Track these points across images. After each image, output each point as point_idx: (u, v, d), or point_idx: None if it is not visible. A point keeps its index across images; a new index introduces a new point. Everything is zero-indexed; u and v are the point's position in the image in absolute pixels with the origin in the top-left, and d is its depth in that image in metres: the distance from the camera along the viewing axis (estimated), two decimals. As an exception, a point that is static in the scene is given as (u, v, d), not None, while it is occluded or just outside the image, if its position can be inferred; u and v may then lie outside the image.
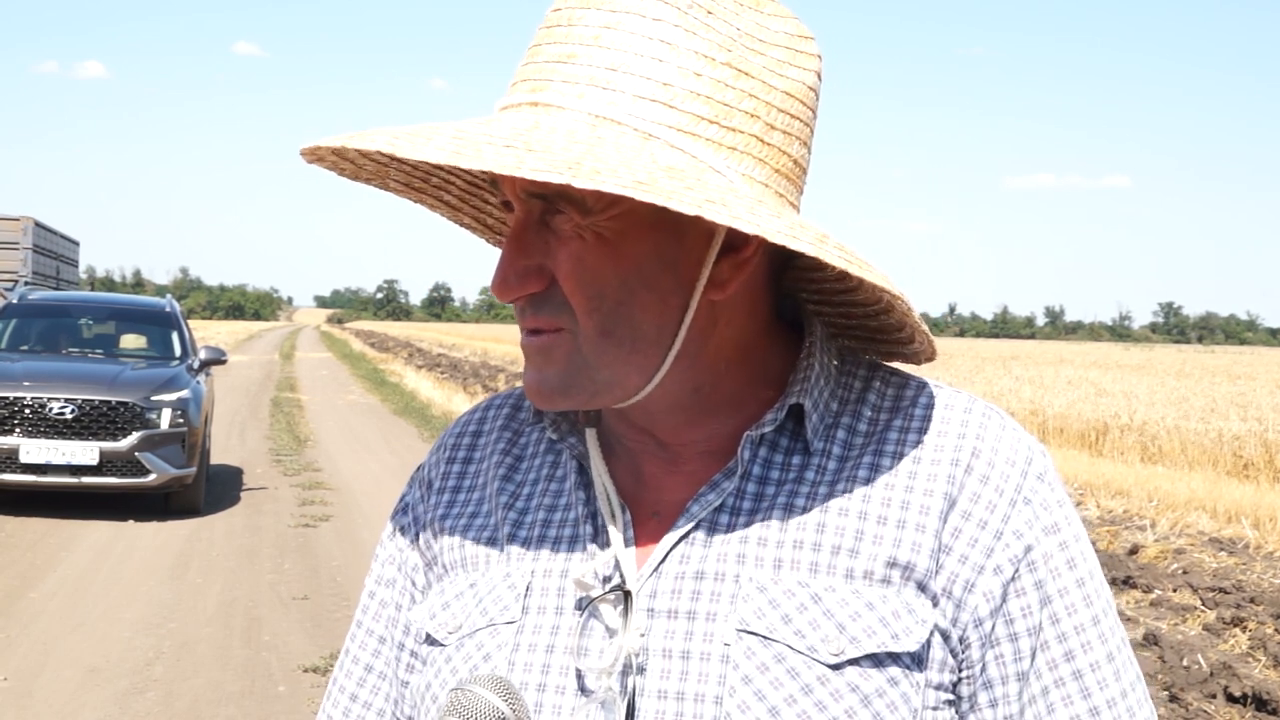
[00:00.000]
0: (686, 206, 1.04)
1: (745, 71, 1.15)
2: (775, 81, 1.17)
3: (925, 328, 1.21)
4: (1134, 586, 10.39)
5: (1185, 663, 8.02)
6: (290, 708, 6.94)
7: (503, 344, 65.70)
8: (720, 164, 1.13)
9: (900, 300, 1.16)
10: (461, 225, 1.35)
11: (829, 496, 1.19)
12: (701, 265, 1.17)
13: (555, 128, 1.12)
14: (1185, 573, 10.94)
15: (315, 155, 1.21)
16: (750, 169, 1.15)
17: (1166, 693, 7.51)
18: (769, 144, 1.16)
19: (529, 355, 1.20)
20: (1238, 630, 9.10)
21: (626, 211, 1.13)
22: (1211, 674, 7.80)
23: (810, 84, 1.20)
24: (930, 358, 1.28)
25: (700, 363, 1.21)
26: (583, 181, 1.03)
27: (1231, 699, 7.45)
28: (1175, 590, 10.35)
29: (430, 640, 1.27)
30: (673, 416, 1.23)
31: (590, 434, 1.26)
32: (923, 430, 1.22)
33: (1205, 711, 7.23)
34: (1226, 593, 10.19)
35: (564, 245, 1.15)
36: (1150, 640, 8.53)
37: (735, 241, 1.17)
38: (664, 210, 1.09)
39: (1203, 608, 9.77)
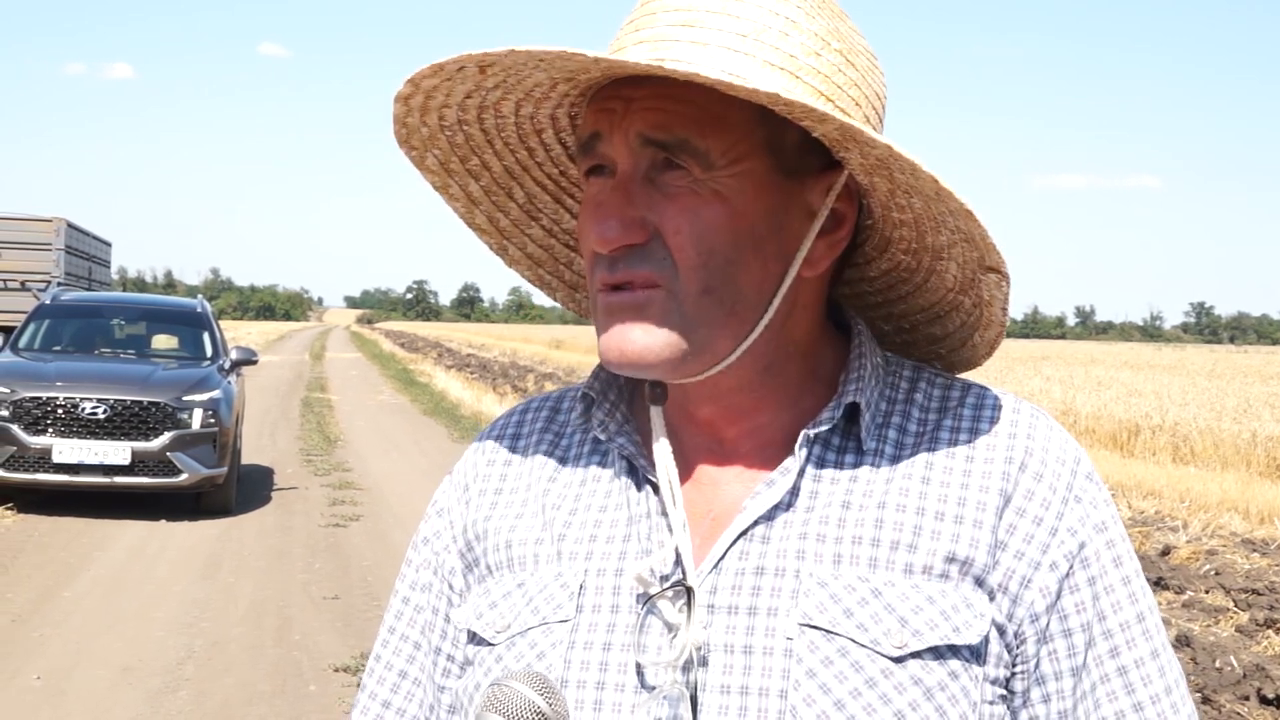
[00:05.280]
0: (878, 135, 1.10)
1: (852, 62, 1.20)
2: (871, 80, 1.22)
3: (1001, 318, 1.24)
4: (1166, 588, 10.32)
5: (1218, 664, 7.97)
6: (321, 707, 6.97)
7: (532, 344, 65.80)
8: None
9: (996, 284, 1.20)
10: (472, 224, 1.36)
11: (885, 493, 1.20)
12: (801, 239, 1.20)
13: (700, 75, 1.11)
14: (1217, 574, 10.87)
15: (417, 85, 1.21)
16: None
17: (1199, 694, 7.46)
18: None
19: (614, 312, 1.19)
20: (1270, 632, 9.03)
21: (746, 171, 1.16)
22: (1244, 676, 7.74)
23: (885, 97, 1.24)
24: (973, 365, 1.30)
25: (777, 340, 1.22)
26: (797, 93, 1.09)
27: (1265, 701, 7.40)
28: (1207, 592, 10.28)
29: (476, 640, 1.27)
30: (738, 398, 1.24)
31: (656, 412, 1.26)
32: (974, 430, 1.23)
33: (1238, 714, 7.18)
34: (1259, 594, 10.12)
35: (675, 200, 1.16)
36: (1182, 642, 8.47)
37: (828, 224, 1.21)
38: (778, 174, 1.15)
39: (1235, 609, 9.70)
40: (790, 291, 1.21)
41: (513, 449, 1.36)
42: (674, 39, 1.16)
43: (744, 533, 1.20)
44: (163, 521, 12.21)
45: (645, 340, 1.18)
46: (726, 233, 1.16)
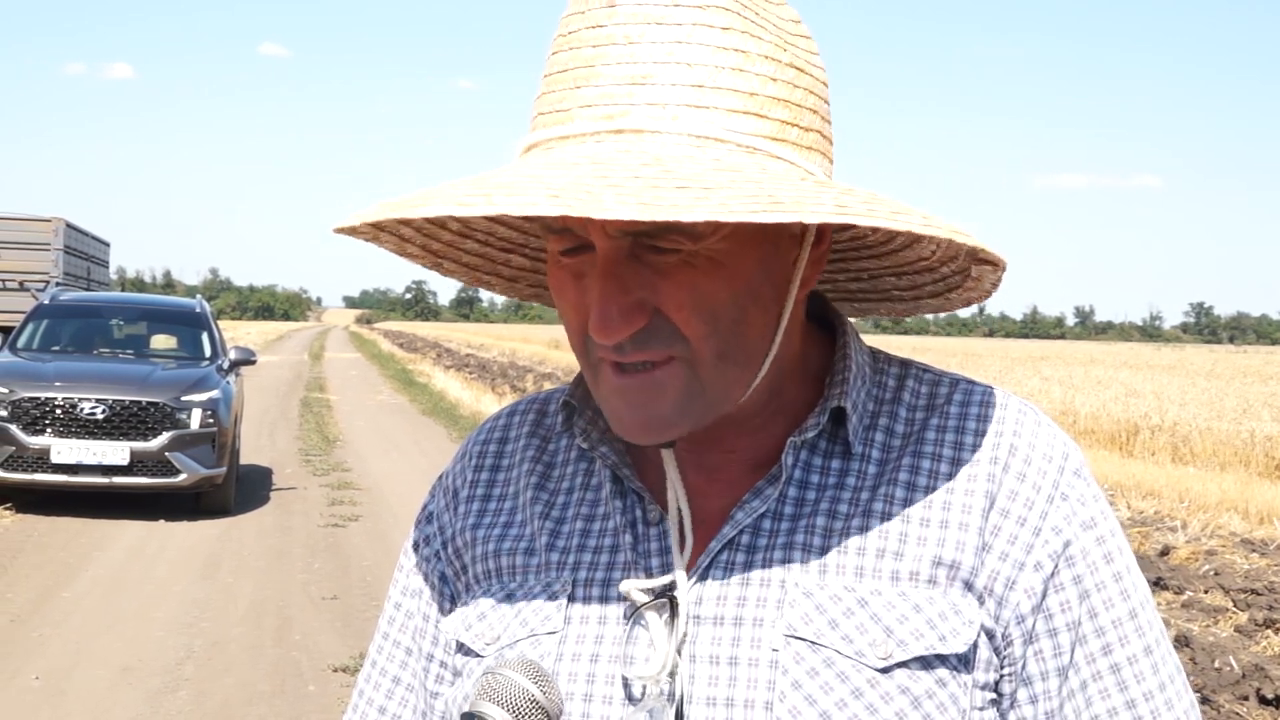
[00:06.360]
0: (884, 221, 1.03)
1: (800, 68, 1.15)
2: (816, 74, 1.17)
3: (994, 256, 1.15)
4: (1165, 588, 10.32)
5: (1217, 665, 7.97)
6: (321, 707, 6.97)
7: (530, 344, 65.79)
8: (808, 166, 1.13)
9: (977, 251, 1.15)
10: (404, 254, 1.28)
11: (871, 500, 1.19)
12: (793, 268, 1.17)
13: (676, 156, 1.06)
14: (1217, 574, 10.87)
15: (370, 230, 1.18)
16: (820, 165, 1.15)
17: (1198, 695, 7.45)
18: (826, 136, 1.17)
19: (626, 395, 1.15)
20: (1270, 632, 9.03)
21: (734, 231, 1.10)
22: (1243, 676, 7.75)
23: (823, 67, 1.20)
24: (968, 304, 1.27)
25: (779, 366, 1.20)
26: (808, 216, 1.00)
27: (1264, 701, 7.40)
28: (1207, 592, 10.29)
29: (465, 650, 1.26)
30: (748, 423, 1.22)
31: (668, 454, 1.23)
32: (960, 429, 1.22)
33: (1237, 714, 7.18)
34: (1259, 594, 10.12)
35: (669, 276, 1.11)
36: (1181, 642, 8.47)
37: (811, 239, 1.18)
38: (768, 224, 1.08)
39: (1234, 609, 9.71)
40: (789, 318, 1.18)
41: (500, 454, 1.34)
42: (628, 102, 1.09)
43: (730, 542, 1.19)
44: (162, 521, 12.21)
45: (668, 416, 1.14)
46: (727, 296, 1.12)
